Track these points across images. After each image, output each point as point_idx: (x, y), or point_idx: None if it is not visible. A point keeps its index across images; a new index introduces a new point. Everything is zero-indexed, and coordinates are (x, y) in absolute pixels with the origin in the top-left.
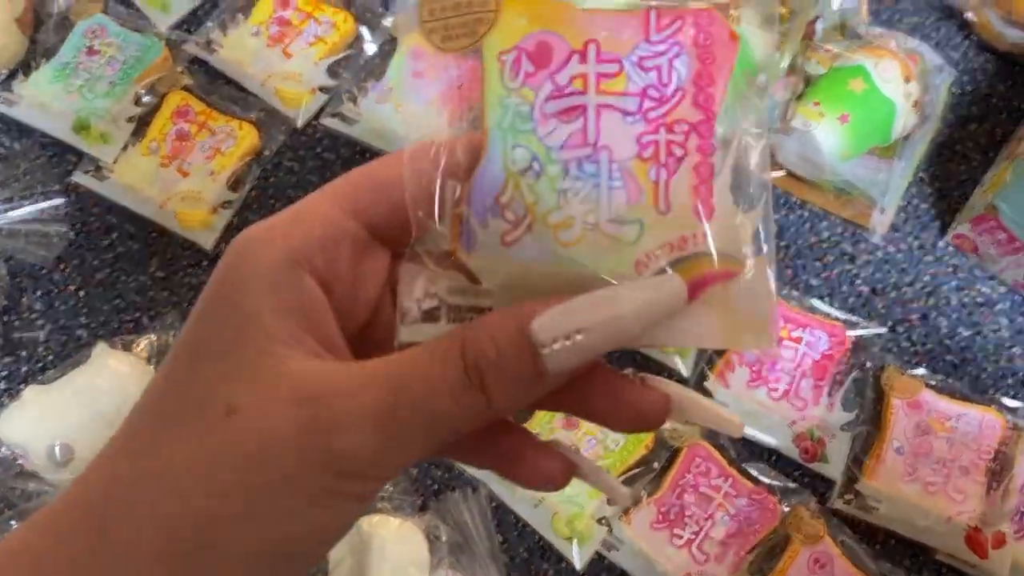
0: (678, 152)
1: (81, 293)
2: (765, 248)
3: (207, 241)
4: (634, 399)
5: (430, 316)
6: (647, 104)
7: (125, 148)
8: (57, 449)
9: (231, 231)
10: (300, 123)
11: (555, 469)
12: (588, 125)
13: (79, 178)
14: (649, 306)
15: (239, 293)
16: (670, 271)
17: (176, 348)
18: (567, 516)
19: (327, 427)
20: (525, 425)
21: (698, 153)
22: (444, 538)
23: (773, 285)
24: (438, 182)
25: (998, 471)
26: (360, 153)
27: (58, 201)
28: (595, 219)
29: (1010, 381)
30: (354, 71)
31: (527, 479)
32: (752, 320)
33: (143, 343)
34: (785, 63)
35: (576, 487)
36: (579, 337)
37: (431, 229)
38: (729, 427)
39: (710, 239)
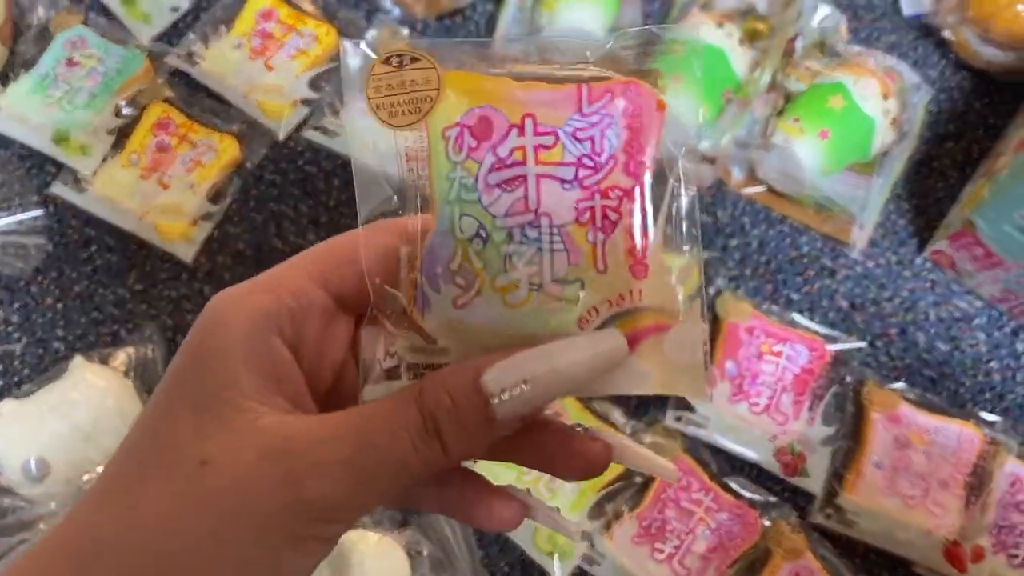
0: (612, 216)
1: (59, 306)
2: (697, 298)
3: (187, 254)
4: (582, 449)
5: (391, 374)
6: (582, 172)
7: (105, 160)
8: (33, 464)
9: (211, 244)
10: (282, 135)
11: (510, 512)
12: (529, 193)
13: (58, 190)
14: (593, 359)
15: (213, 357)
16: (611, 326)
17: (153, 401)
18: (548, 531)
19: (299, 477)
20: None
21: (631, 216)
22: (425, 553)
23: (704, 333)
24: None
25: (976, 485)
26: (341, 166)
27: (36, 213)
28: (539, 280)
29: (988, 395)
30: (336, 84)
31: (485, 523)
32: (686, 367)
33: (121, 356)
34: (765, 80)
35: (558, 501)
36: (526, 388)
37: (388, 295)
38: (664, 473)
39: (645, 295)
